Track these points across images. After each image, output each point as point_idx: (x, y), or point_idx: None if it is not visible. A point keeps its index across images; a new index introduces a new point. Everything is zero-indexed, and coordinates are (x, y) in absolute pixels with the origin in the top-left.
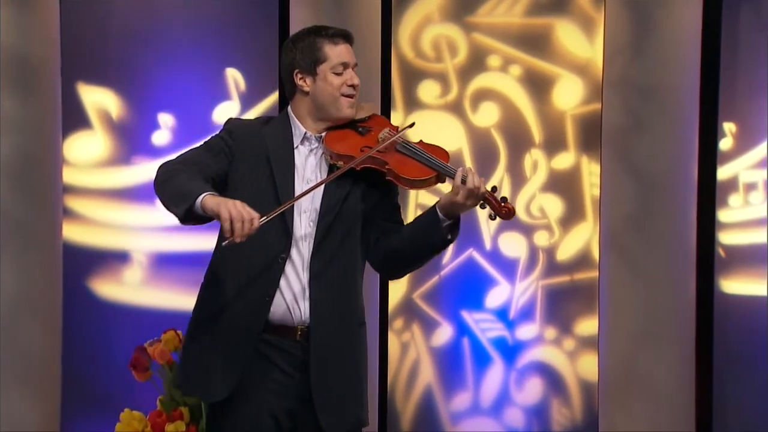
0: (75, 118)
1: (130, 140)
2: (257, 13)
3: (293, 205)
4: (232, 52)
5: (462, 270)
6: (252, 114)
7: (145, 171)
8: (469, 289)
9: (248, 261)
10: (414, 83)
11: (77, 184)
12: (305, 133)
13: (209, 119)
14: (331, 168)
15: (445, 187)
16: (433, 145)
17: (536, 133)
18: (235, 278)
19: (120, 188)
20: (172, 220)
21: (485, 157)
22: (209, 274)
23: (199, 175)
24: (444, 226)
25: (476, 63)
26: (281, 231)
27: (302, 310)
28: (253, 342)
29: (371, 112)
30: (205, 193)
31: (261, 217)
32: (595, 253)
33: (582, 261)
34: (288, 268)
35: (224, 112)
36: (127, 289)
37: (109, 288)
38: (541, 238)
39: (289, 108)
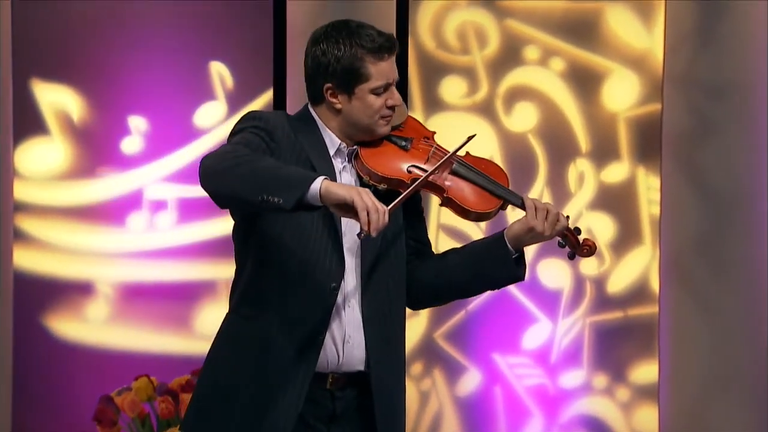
0: (28, 122)
1: (95, 148)
2: None
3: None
4: (216, 43)
5: (493, 304)
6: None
7: (113, 185)
8: (501, 327)
9: (299, 288)
10: (435, 79)
11: (31, 200)
12: (339, 145)
13: (189, 123)
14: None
15: None
16: (485, 161)
17: (582, 139)
18: (281, 310)
19: (82, 206)
20: (144, 244)
21: (521, 169)
22: (241, 299)
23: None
24: (512, 260)
25: (510, 55)
26: (334, 253)
27: (341, 354)
28: (301, 392)
29: (405, 115)
30: (321, 177)
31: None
32: (655, 284)
33: (638, 293)
34: (338, 302)
35: (207, 114)
36: (91, 326)
37: (69, 326)
38: (589, 266)
39: (312, 111)
